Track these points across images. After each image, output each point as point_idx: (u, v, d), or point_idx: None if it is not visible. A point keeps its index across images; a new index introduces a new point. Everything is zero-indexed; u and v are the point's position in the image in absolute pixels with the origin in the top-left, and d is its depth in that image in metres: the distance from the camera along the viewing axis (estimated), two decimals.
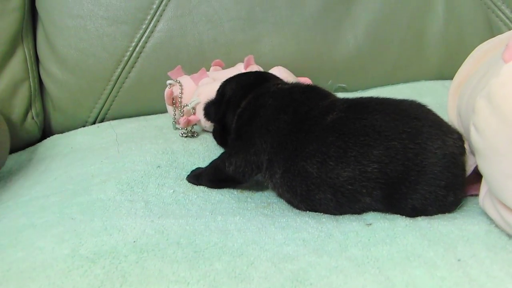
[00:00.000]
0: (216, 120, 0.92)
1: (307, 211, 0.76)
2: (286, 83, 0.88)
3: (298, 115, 0.77)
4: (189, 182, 0.86)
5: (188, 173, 0.88)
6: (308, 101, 0.78)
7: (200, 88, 1.06)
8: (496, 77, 0.61)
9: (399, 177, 0.69)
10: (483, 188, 0.68)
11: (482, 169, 0.64)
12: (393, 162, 0.69)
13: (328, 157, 0.71)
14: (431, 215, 0.70)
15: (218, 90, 0.93)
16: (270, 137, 0.77)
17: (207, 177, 0.85)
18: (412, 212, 0.70)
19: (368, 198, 0.71)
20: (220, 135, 0.94)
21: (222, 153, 0.85)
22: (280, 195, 0.79)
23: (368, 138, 0.70)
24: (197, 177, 0.86)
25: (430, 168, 0.69)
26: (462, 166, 0.71)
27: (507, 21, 1.29)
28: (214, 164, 0.84)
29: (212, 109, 0.92)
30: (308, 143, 0.73)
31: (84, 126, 1.25)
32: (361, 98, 0.78)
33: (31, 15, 1.26)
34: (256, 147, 0.78)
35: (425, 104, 0.76)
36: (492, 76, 0.63)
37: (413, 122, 0.70)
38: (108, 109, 1.26)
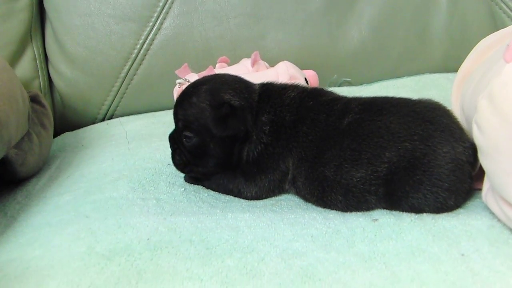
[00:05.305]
0: (243, 129, 0.79)
1: (315, 207, 0.78)
2: (276, 84, 0.85)
3: (317, 123, 0.77)
4: (187, 182, 0.87)
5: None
6: (323, 107, 0.78)
7: None
8: (498, 77, 0.62)
9: (403, 173, 0.71)
10: (486, 183, 0.70)
11: (484, 166, 0.66)
12: (400, 160, 0.71)
13: (344, 160, 0.73)
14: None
15: (216, 102, 0.79)
16: (291, 158, 0.78)
17: (211, 189, 0.85)
18: (409, 210, 0.73)
19: (374, 197, 0.73)
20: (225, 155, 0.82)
21: (235, 179, 0.82)
22: (300, 196, 0.80)
23: (382, 140, 0.72)
24: (196, 180, 0.86)
25: (436, 169, 0.70)
26: (468, 173, 0.72)
27: (510, 13, 1.29)
28: (223, 185, 0.83)
29: (234, 121, 0.78)
30: (327, 150, 0.75)
31: (93, 123, 1.28)
32: (375, 98, 0.79)
33: (40, 15, 1.28)
34: (281, 174, 0.79)
35: (442, 105, 0.77)
36: (494, 75, 0.65)
37: (426, 125, 0.72)
38: (117, 106, 1.28)
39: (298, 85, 0.85)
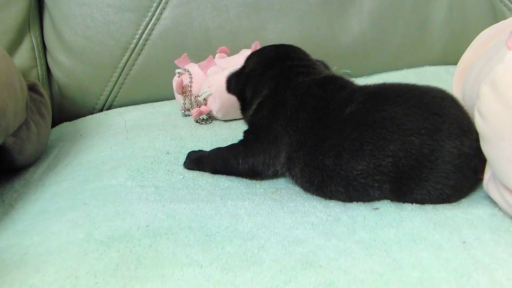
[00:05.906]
0: (236, 92, 0.93)
1: (315, 196, 0.77)
2: (307, 67, 0.86)
3: (318, 111, 0.76)
4: (187, 168, 0.87)
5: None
6: (327, 94, 0.78)
7: (210, 79, 1.07)
8: (501, 64, 0.62)
9: (410, 171, 0.69)
10: (487, 172, 0.70)
11: (486, 154, 0.66)
12: (407, 156, 0.69)
13: (343, 149, 0.71)
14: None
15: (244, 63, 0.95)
16: (289, 138, 0.77)
17: (211, 166, 0.85)
18: (410, 202, 0.72)
19: (378, 192, 0.72)
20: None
21: (235, 149, 0.83)
22: (298, 184, 0.79)
23: (385, 131, 0.69)
24: (197, 162, 0.86)
25: (443, 166, 0.68)
26: (474, 168, 0.70)
27: (510, 5, 1.29)
28: (223, 157, 0.83)
29: (234, 81, 0.93)
30: (326, 138, 0.73)
31: (91, 113, 1.27)
32: (381, 86, 0.77)
33: (38, 4, 1.27)
34: (276, 149, 0.79)
35: (449, 93, 0.75)
36: (496, 62, 0.64)
37: (434, 118, 0.69)
38: (116, 96, 1.27)
39: (317, 71, 0.86)
